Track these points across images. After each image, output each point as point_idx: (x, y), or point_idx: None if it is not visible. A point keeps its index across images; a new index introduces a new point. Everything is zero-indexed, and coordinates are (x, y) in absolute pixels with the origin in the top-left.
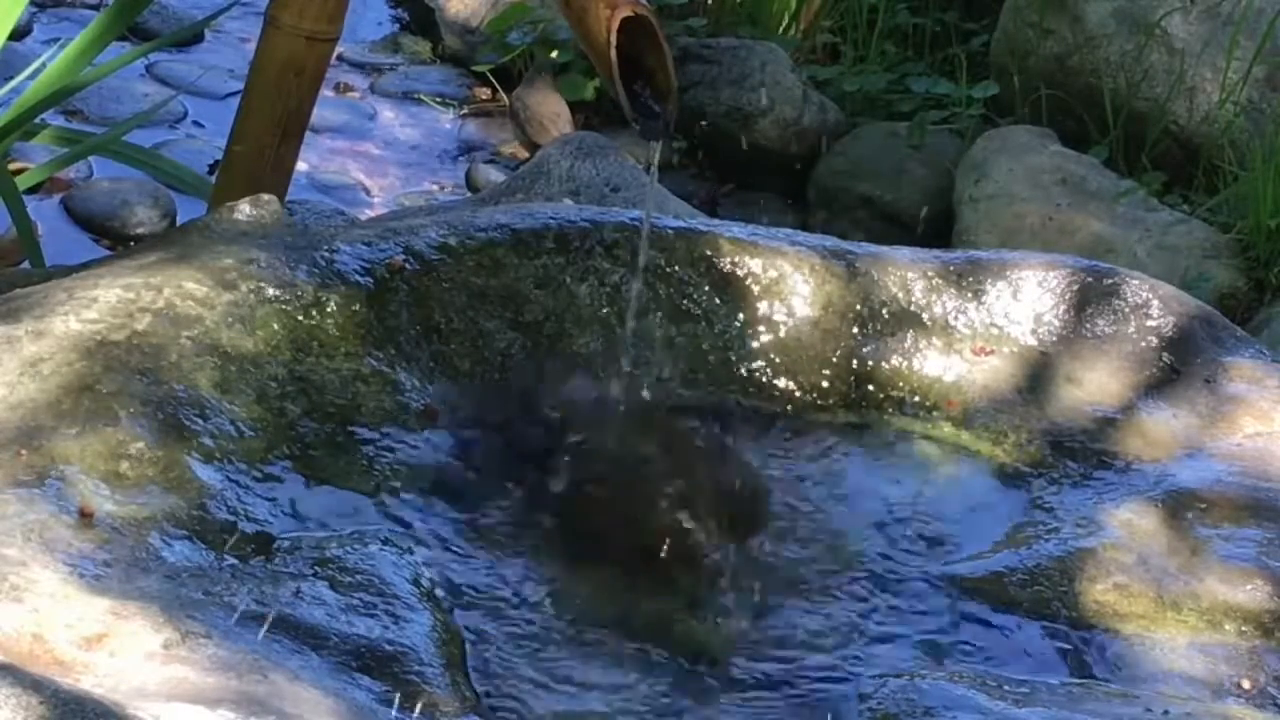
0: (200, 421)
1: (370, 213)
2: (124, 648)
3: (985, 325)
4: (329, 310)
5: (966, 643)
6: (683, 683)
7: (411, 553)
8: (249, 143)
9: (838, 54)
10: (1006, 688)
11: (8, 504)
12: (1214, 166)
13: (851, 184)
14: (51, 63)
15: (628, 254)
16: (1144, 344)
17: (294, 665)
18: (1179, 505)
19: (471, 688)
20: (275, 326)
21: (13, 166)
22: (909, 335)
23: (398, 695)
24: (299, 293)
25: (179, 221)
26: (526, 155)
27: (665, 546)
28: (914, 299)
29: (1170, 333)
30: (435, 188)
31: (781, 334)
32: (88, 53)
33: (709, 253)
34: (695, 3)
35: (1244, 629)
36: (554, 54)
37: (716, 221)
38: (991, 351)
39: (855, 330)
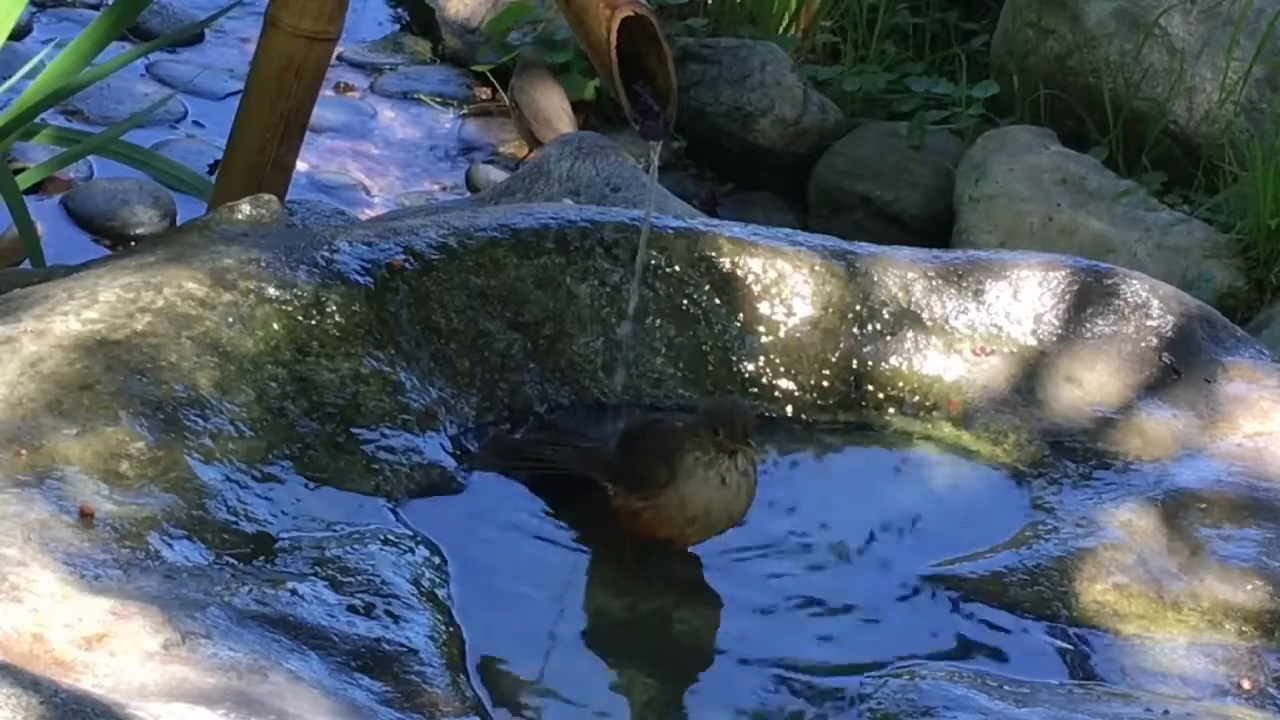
0: (200, 421)
1: (370, 213)
2: (124, 648)
3: (985, 325)
4: (329, 310)
5: (966, 643)
6: (682, 682)
7: (411, 553)
8: (249, 143)
9: (838, 54)
10: (1006, 688)
11: (8, 504)
12: (1214, 166)
13: (851, 184)
14: (51, 62)
15: (628, 254)
16: (1144, 344)
17: (294, 665)
18: (1179, 505)
19: (472, 687)
20: (275, 326)
21: (13, 166)
22: (909, 335)
23: (398, 695)
24: (299, 293)
25: (179, 221)
26: (526, 150)
27: (665, 545)
28: (914, 299)
29: (1170, 333)
30: (435, 188)
31: (781, 334)
32: (87, 53)
33: (709, 253)
34: (695, 3)
35: (1244, 629)
36: (549, 53)
37: (716, 221)
38: (991, 351)
39: (855, 330)
